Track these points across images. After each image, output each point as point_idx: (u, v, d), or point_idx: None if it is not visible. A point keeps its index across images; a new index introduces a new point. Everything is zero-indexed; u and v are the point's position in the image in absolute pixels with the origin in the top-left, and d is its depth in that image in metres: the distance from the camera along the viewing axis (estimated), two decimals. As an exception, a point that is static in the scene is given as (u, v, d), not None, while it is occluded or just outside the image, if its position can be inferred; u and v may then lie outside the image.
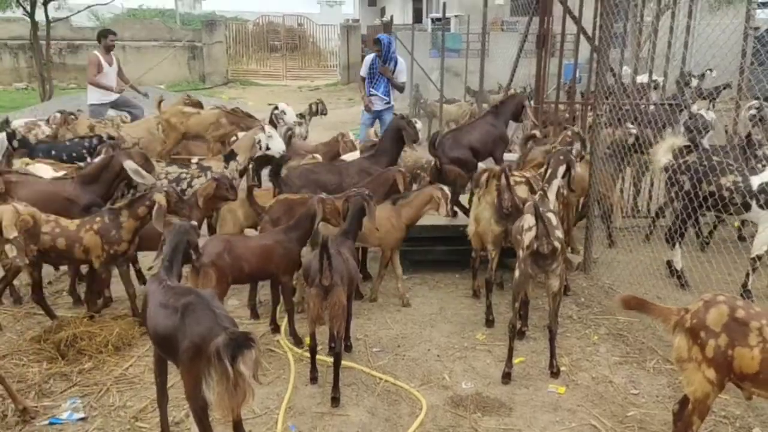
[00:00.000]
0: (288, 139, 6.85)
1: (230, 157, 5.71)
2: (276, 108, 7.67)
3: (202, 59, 24.18)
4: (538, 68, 6.94)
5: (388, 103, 8.34)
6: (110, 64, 8.60)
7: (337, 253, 3.56)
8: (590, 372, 3.88)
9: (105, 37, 8.64)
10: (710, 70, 11.90)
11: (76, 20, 22.93)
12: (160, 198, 4.19)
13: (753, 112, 7.38)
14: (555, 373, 3.82)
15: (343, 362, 3.68)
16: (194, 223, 3.47)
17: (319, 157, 6.25)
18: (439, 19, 15.14)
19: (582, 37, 6.72)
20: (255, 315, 4.62)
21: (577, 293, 5.04)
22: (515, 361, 3.89)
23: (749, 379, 2.64)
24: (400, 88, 8.37)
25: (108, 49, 8.65)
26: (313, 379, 3.73)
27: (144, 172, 4.77)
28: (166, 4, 38.89)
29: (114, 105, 8.79)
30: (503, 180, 4.32)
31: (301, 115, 8.94)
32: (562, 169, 4.16)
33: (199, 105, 8.01)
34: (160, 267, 3.11)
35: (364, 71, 8.51)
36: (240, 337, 2.42)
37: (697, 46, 8.04)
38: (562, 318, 4.39)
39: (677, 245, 5.18)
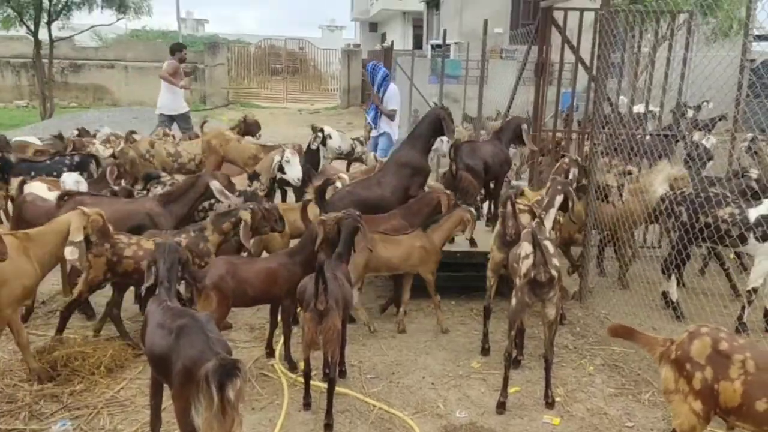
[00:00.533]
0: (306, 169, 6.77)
1: (254, 177, 5.86)
2: (321, 130, 7.25)
3: (203, 80, 24.38)
4: (536, 96, 7.00)
5: (376, 128, 8.34)
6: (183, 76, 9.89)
7: (332, 277, 3.56)
8: (585, 403, 3.85)
9: (180, 50, 9.90)
10: (707, 101, 12.00)
11: (79, 40, 23.14)
12: (245, 215, 4.38)
13: (747, 144, 7.44)
14: (550, 403, 3.79)
15: (337, 388, 3.66)
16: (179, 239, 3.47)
17: (344, 177, 6.15)
18: (439, 46, 15.32)
19: (580, 66, 6.80)
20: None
21: (573, 323, 5.03)
22: (510, 390, 3.86)
23: (733, 412, 2.64)
24: (389, 116, 8.24)
25: (181, 61, 9.82)
26: (307, 405, 3.70)
27: (228, 193, 4.98)
28: (170, 26, 39.34)
29: (178, 118, 9.76)
30: (509, 207, 4.35)
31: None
32: (559, 198, 4.18)
33: (256, 125, 8.08)
34: (160, 288, 3.11)
35: None
36: (229, 364, 2.41)
37: (694, 77, 8.14)
38: (557, 348, 4.37)
39: (673, 276, 5.18)
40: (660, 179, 5.27)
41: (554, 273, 3.65)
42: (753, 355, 2.61)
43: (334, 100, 27.59)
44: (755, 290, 4.76)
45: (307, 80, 30.16)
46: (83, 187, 5.42)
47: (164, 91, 9.75)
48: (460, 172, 5.61)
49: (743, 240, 4.76)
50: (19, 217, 4.89)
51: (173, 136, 8.31)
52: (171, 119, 9.79)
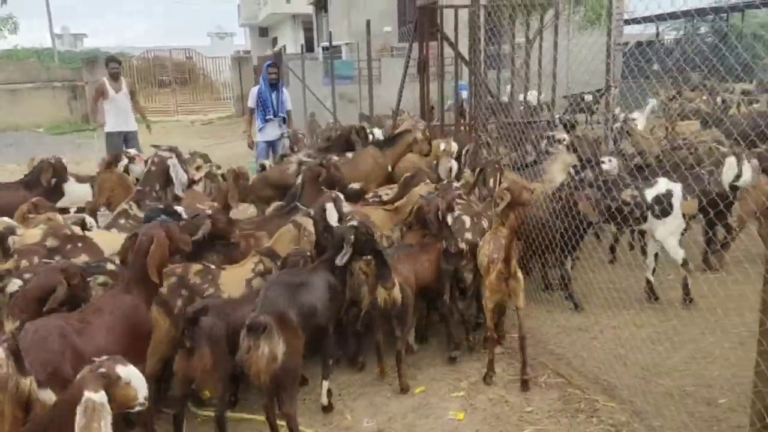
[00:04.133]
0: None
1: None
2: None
3: (84, 99, 22.99)
4: (421, 92, 7.11)
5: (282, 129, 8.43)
6: (117, 91, 8.91)
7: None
8: (487, 393, 3.88)
9: (107, 65, 9.22)
10: (614, 86, 12.43)
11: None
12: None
13: (619, 124, 7.84)
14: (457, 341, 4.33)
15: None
16: None
17: None
18: (327, 48, 15.28)
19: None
20: None
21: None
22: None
23: None
24: (290, 115, 8.58)
25: (113, 77, 8.96)
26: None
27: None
28: (44, 43, 36.98)
29: (126, 138, 8.91)
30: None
31: None
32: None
33: None
34: None
35: (252, 102, 8.38)
36: None
37: (576, 65, 8.52)
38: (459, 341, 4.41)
39: (568, 258, 5.25)
40: (557, 167, 5.35)
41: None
42: None
43: (227, 108, 26.92)
44: (686, 261, 4.91)
45: (197, 90, 29.28)
46: None
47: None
48: None
49: (644, 219, 4.98)
50: None
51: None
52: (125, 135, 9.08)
